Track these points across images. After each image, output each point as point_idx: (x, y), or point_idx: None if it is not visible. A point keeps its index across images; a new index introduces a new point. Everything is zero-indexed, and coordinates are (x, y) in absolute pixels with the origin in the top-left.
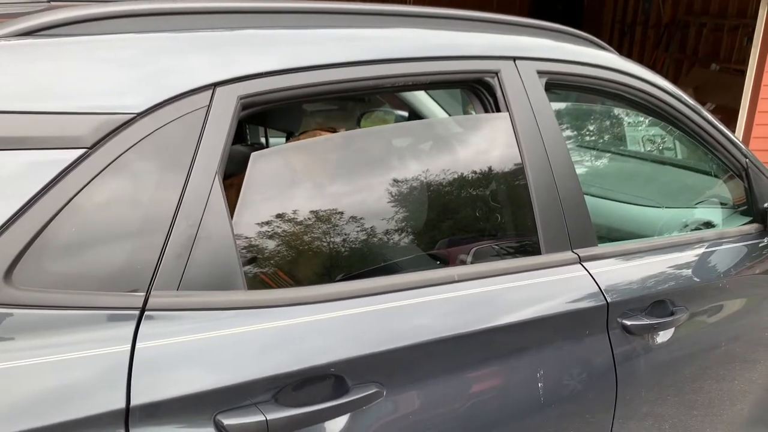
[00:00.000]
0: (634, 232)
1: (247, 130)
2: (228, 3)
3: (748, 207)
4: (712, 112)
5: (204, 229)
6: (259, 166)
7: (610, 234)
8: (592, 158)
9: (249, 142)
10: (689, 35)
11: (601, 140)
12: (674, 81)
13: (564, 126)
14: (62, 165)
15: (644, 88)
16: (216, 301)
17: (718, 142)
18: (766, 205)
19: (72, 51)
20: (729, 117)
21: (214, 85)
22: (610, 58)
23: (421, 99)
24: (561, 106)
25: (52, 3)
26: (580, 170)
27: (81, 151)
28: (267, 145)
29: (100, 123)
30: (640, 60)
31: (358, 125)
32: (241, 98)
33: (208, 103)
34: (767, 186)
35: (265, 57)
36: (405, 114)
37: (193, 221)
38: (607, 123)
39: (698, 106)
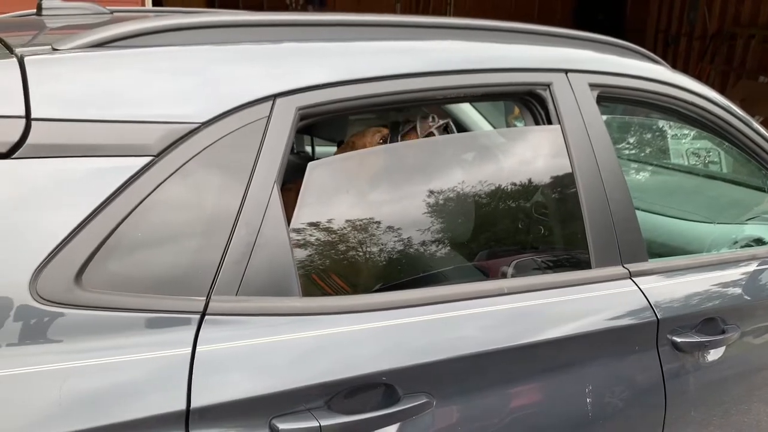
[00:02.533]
0: (683, 247)
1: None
2: (287, 16)
3: None
4: (761, 125)
5: (262, 236)
6: (315, 175)
7: (658, 249)
8: (639, 171)
9: (295, 150)
10: (736, 47)
11: (648, 153)
12: (720, 93)
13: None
14: (130, 172)
15: (695, 101)
16: (273, 307)
17: None
18: None
19: (139, 62)
20: None
21: (275, 96)
22: (661, 71)
23: (463, 107)
24: (607, 118)
25: (115, 14)
26: (628, 184)
27: (147, 159)
28: (313, 153)
29: (166, 132)
30: (685, 71)
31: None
32: (299, 109)
33: (268, 114)
34: None
35: (323, 69)
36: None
37: (252, 228)
38: (653, 135)
39: (750, 119)
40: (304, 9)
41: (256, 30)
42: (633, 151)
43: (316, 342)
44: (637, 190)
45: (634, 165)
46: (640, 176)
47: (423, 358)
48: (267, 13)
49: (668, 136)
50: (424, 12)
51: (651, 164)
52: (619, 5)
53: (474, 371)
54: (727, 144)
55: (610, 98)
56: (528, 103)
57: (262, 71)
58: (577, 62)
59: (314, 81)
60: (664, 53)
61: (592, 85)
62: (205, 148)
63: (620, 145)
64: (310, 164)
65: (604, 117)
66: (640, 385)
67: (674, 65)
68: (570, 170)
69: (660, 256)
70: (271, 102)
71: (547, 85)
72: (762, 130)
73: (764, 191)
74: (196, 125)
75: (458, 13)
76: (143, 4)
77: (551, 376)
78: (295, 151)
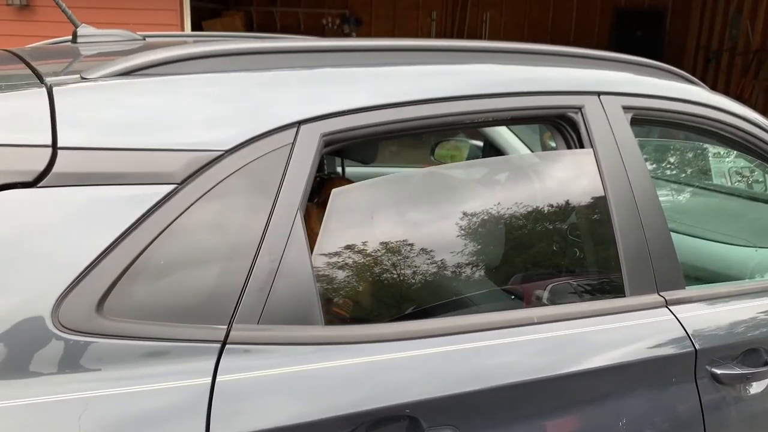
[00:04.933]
0: (723, 273)
1: (324, 160)
2: (308, 42)
3: None
4: None
5: (285, 264)
6: (339, 202)
7: (696, 274)
8: (679, 193)
9: (326, 172)
10: None
11: (689, 174)
12: (764, 111)
13: (647, 159)
14: (153, 200)
15: (734, 122)
16: (295, 336)
17: None
18: None
19: (165, 90)
20: None
21: (299, 123)
22: (698, 92)
23: (498, 129)
24: (643, 138)
25: (148, 40)
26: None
27: (171, 187)
28: (343, 175)
29: (190, 160)
30: (727, 88)
31: (432, 154)
32: (323, 135)
33: (292, 141)
34: None
35: (347, 95)
36: (480, 143)
37: (275, 256)
38: (695, 155)
39: None
40: (340, 29)
41: (283, 57)
42: (673, 172)
43: (339, 372)
44: (677, 212)
45: (675, 186)
46: (680, 198)
47: (448, 390)
48: (294, 38)
49: (710, 155)
50: (459, 29)
51: (691, 185)
52: (657, 21)
53: (502, 404)
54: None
55: (645, 120)
56: (560, 126)
57: (287, 98)
58: (609, 84)
59: (339, 107)
60: (705, 69)
61: (626, 108)
62: (228, 176)
63: (660, 166)
64: (334, 191)
65: (645, 137)
66: (678, 418)
67: (715, 81)
68: (603, 195)
69: (699, 282)
70: (295, 129)
71: (579, 108)
72: None
73: None
74: (220, 153)
75: (493, 30)
76: (182, 29)
77: (582, 410)
78: (326, 172)
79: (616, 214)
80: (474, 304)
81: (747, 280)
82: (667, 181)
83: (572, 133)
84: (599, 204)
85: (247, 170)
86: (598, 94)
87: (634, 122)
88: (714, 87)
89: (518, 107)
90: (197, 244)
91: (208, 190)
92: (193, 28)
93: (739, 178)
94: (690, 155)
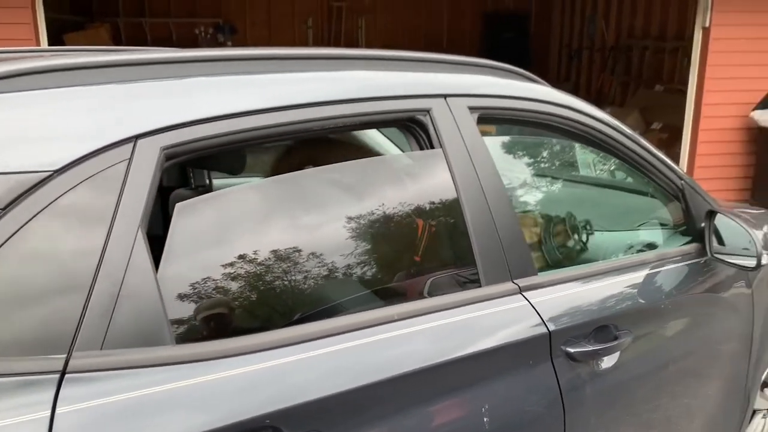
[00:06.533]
0: (584, 257)
1: (192, 174)
2: (143, 55)
3: (687, 227)
4: (659, 131)
5: (128, 286)
6: (184, 216)
7: (558, 261)
8: (545, 186)
9: (193, 186)
10: (633, 58)
11: (556, 168)
12: (621, 103)
13: (510, 157)
14: None
15: (577, 117)
16: (140, 358)
17: (654, 166)
18: (702, 225)
19: None
20: (675, 135)
21: (136, 138)
22: (539, 90)
23: (370, 134)
24: (506, 138)
25: None
26: (530, 199)
27: None
28: (212, 188)
29: (13, 183)
30: (589, 83)
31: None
32: (164, 149)
33: (129, 156)
34: (703, 206)
35: (188, 106)
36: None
37: (115, 279)
38: (555, 151)
39: (632, 132)
40: (214, 38)
41: (114, 71)
42: (539, 167)
43: (189, 391)
44: (544, 204)
45: (540, 180)
46: (545, 191)
47: (304, 397)
48: (135, 50)
49: (576, 150)
50: (336, 36)
51: (557, 179)
52: (523, 24)
53: (363, 404)
54: (612, 156)
55: (492, 119)
56: (411, 128)
57: (122, 112)
58: (455, 87)
59: (179, 119)
60: (569, 66)
61: (472, 108)
62: (58, 198)
63: (524, 162)
64: (178, 205)
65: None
66: (537, 397)
67: (578, 77)
68: (454, 192)
69: (563, 267)
70: (131, 144)
71: (427, 111)
72: (644, 141)
73: (652, 197)
74: (48, 173)
75: (369, 36)
76: (38, 44)
77: (445, 401)
78: (194, 186)
79: (468, 209)
80: (333, 309)
81: (597, 262)
82: (536, 176)
83: (423, 135)
84: (451, 201)
85: (80, 190)
86: (445, 96)
87: (482, 121)
88: (577, 83)
89: (366, 113)
90: (26, 273)
91: (36, 214)
92: (54, 43)
93: (602, 168)
94: (560, 150)
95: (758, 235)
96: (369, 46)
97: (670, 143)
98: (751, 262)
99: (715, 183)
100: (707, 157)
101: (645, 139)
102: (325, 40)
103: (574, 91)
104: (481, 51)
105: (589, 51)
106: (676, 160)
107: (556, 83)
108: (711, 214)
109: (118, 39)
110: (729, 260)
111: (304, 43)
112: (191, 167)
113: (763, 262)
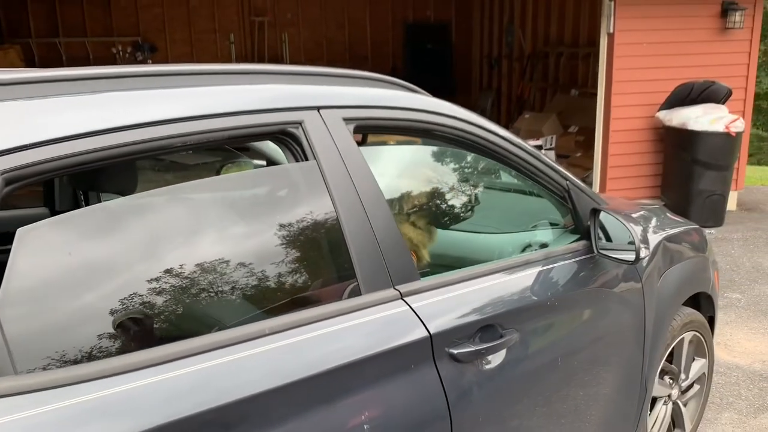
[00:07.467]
0: (478, 259)
1: (57, 196)
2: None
3: (575, 226)
4: (576, 134)
5: None
6: (26, 241)
7: (451, 265)
8: (448, 193)
9: (57, 209)
10: (549, 64)
11: (443, 175)
12: (540, 108)
13: (400, 166)
14: None
15: (458, 125)
16: None
17: (538, 169)
18: (588, 223)
19: None
20: (591, 137)
21: None
22: (415, 99)
23: (274, 147)
24: (397, 147)
25: None
26: (418, 205)
27: None
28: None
29: None
30: (510, 90)
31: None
32: (4, 173)
33: None
34: (588, 203)
35: (30, 129)
36: (263, 163)
37: None
38: (448, 158)
39: (513, 137)
40: (133, 56)
41: None
42: (431, 174)
43: (31, 422)
44: (444, 211)
45: (444, 188)
46: (437, 197)
47: (172, 416)
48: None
49: (469, 157)
50: (259, 51)
51: (450, 185)
52: (444, 34)
53: (247, 418)
54: (496, 161)
55: (370, 128)
56: (284, 141)
57: None
58: (328, 98)
59: (19, 142)
60: (490, 74)
61: (347, 119)
62: None
63: (416, 170)
64: (20, 230)
65: (404, 145)
66: (421, 401)
67: (500, 85)
68: (330, 202)
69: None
70: None
71: (299, 123)
72: (526, 145)
73: (540, 197)
74: None
75: (293, 50)
76: None
77: (323, 411)
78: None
79: (345, 219)
80: (197, 329)
81: (480, 264)
82: (432, 184)
83: (297, 147)
84: (327, 212)
85: None
86: (318, 108)
87: (359, 131)
88: (499, 90)
89: (232, 126)
90: None
91: None
92: None
93: (494, 173)
94: (451, 156)
95: (637, 230)
96: (293, 60)
97: (587, 145)
98: (631, 256)
99: (629, 182)
100: (619, 157)
101: (527, 143)
102: (248, 55)
103: (496, 99)
104: (405, 62)
105: (509, 59)
106: (592, 161)
107: (479, 91)
108: (595, 212)
109: (31, 60)
110: (612, 255)
111: (227, 59)
112: (76, 188)
113: (642, 255)
